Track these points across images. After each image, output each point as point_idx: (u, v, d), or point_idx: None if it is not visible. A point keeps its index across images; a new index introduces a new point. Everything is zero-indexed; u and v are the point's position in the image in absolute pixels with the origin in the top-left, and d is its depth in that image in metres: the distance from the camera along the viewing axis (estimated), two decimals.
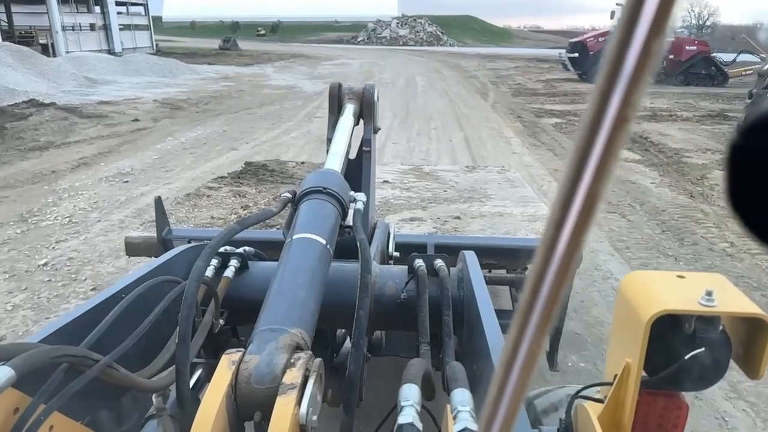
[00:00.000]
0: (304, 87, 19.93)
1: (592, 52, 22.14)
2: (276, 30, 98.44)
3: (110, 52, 34.00)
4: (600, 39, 22.55)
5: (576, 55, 23.07)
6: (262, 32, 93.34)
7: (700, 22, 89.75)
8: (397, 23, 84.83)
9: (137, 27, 42.31)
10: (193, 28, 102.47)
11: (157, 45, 45.92)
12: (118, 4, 38.75)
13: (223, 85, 20.11)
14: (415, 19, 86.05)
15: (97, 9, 36.65)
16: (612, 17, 20.43)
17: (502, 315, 1.56)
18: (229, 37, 48.77)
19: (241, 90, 18.40)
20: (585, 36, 24.24)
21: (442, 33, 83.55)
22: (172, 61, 26.25)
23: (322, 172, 2.08)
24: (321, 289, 1.54)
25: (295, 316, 1.36)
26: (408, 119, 13.30)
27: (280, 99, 16.23)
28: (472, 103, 16.75)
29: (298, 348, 1.25)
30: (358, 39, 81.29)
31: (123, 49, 36.18)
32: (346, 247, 1.88)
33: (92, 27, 36.26)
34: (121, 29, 38.96)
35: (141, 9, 44.11)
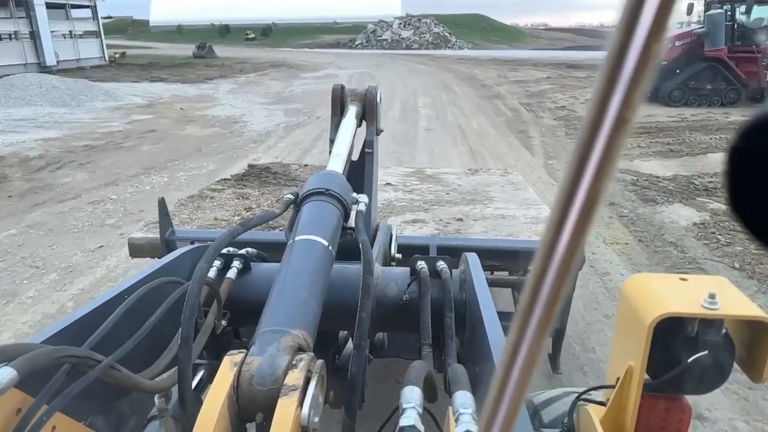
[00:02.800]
0: (253, 120, 13.80)
1: (664, 62, 14.64)
2: (268, 33, 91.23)
3: (40, 66, 28.17)
4: (677, 43, 15.24)
5: None
6: (252, 36, 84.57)
7: None
8: (400, 24, 76.49)
9: (82, 35, 34.69)
10: (179, 33, 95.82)
11: (123, 53, 39.98)
12: (52, 6, 31.00)
13: (134, 119, 14.20)
14: (419, 19, 77.51)
15: (23, 13, 28.92)
16: (690, 12, 16.53)
17: (505, 317, 1.56)
18: (204, 44, 43.56)
19: (153, 130, 12.62)
20: None
21: (449, 34, 75.34)
22: (82, 83, 19.40)
23: (324, 174, 2.09)
24: (323, 291, 1.54)
25: (297, 317, 1.36)
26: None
27: (192, 152, 10.26)
28: (510, 159, 9.62)
29: (300, 349, 1.25)
30: (356, 42, 73.06)
31: (59, 61, 29.88)
32: (348, 248, 1.89)
33: (14, 36, 28.81)
34: (61, 37, 32.13)
35: (88, 12, 36.15)
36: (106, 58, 35.87)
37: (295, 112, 15.26)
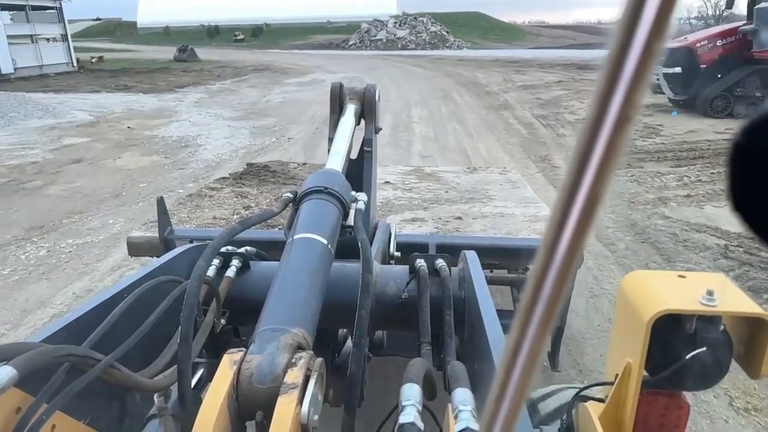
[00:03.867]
0: (208, 144, 11.14)
1: (704, 66, 12.55)
2: (258, 34, 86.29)
3: None
4: (719, 42, 12.74)
5: (678, 70, 12.65)
6: (240, 37, 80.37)
7: (717, 12, 79.73)
8: (395, 23, 72.40)
9: (47, 39, 31.10)
10: (167, 35, 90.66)
11: (100, 57, 36.64)
12: (9, 8, 28.13)
13: (64, 144, 11.47)
14: (415, 18, 73.70)
15: None
16: (730, 5, 14.05)
17: (504, 315, 1.57)
18: (186, 46, 39.38)
19: (78, 160, 9.98)
20: (692, 39, 12.99)
21: (447, 33, 71.60)
22: (16, 96, 16.57)
23: (323, 172, 2.09)
24: (322, 289, 1.55)
25: (297, 315, 1.36)
26: None
27: (108, 198, 7.69)
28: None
29: (299, 348, 1.26)
30: (350, 43, 68.93)
31: (17, 68, 27.23)
32: (347, 246, 1.89)
33: None
34: (19, 42, 28.66)
35: (54, 15, 32.24)
36: (75, 64, 31.94)
37: (264, 130, 12.68)
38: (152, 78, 26.14)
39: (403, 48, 63.03)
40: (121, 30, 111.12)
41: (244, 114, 15.11)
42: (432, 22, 73.49)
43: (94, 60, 36.37)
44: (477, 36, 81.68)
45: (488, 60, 36.41)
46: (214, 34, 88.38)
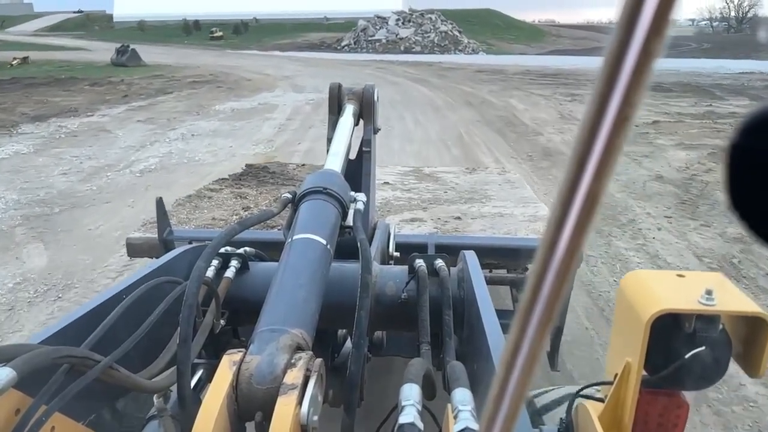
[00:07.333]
0: None
1: None
2: (240, 31, 75.29)
3: None
4: None
5: None
6: (218, 34, 69.34)
7: (740, 14, 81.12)
8: (398, 20, 59.54)
9: None
10: (142, 30, 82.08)
11: (24, 58, 29.69)
12: None
13: None
14: (422, 15, 60.05)
15: None
16: None
17: (503, 315, 1.57)
18: (126, 47, 31.96)
19: None
20: None
21: (459, 33, 58.33)
22: None
23: (322, 173, 2.09)
24: (321, 290, 1.55)
25: (296, 316, 1.36)
26: None
27: None
28: None
29: (298, 348, 1.26)
30: (343, 43, 57.36)
31: None
32: (346, 247, 1.89)
33: None
34: None
35: None
36: None
37: None
38: (29, 97, 17.25)
39: (407, 51, 50.21)
40: (101, 24, 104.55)
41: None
42: (442, 20, 60.60)
43: (15, 62, 29.70)
44: (491, 36, 69.53)
45: (516, 71, 26.55)
46: (190, 30, 78.34)
